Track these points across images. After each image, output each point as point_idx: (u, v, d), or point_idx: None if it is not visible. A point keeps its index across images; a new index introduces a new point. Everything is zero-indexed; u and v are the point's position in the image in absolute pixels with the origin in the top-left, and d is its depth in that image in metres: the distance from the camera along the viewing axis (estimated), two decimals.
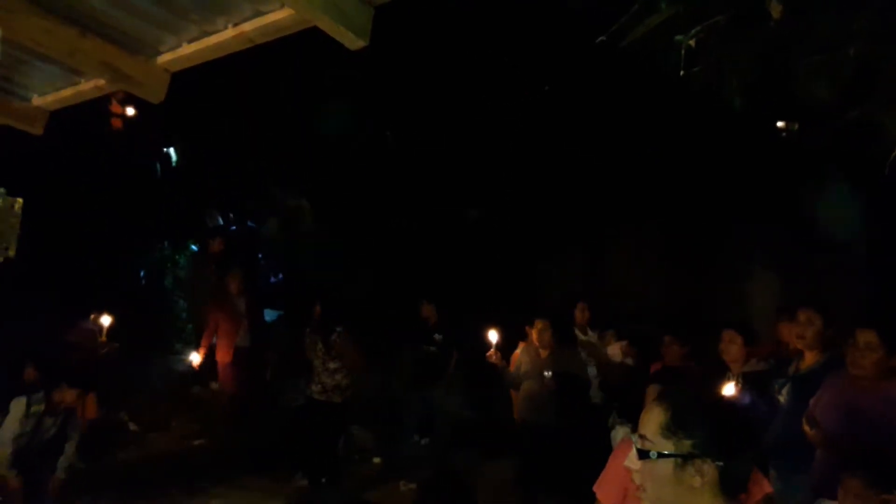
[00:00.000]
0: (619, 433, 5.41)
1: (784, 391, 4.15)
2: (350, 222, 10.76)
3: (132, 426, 7.81)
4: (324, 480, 6.29)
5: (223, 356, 7.48)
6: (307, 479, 6.38)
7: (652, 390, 3.62)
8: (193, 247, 10.77)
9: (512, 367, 6.02)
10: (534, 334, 5.89)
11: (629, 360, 6.32)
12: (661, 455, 1.51)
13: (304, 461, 6.52)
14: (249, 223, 11.31)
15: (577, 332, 6.87)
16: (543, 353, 5.83)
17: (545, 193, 9.61)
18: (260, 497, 6.35)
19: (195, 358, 7.34)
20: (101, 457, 6.87)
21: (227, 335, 7.51)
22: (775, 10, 2.93)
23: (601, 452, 5.34)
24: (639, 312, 7.75)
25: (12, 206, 1.27)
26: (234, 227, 11.00)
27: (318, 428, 6.35)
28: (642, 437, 1.55)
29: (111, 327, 6.35)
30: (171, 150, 12.50)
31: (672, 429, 1.51)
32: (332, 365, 6.28)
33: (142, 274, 10.42)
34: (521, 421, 5.99)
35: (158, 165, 12.12)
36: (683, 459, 1.49)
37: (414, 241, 10.20)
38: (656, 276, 8.61)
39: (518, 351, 6.19)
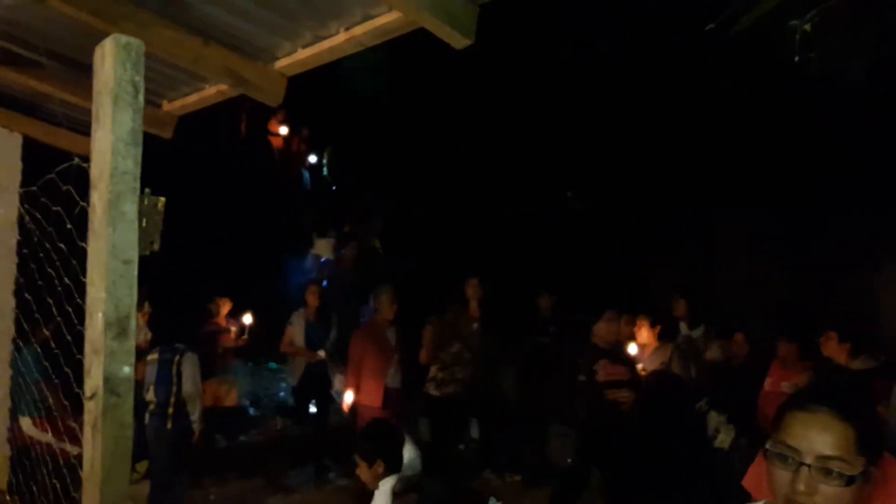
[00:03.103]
0: (713, 421, 5.32)
1: None
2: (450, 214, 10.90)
3: (253, 411, 8.27)
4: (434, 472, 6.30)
5: (368, 398, 5.99)
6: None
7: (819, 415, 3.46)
8: None
9: None
10: (638, 332, 5.87)
11: (721, 356, 6.16)
12: (862, 473, 1.41)
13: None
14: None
15: (682, 325, 6.75)
16: (648, 350, 5.79)
17: (654, 182, 9.41)
18: None
19: (348, 397, 6.07)
20: (230, 439, 7.36)
21: (375, 373, 6.00)
22: None
23: (694, 446, 5.23)
24: (752, 307, 7.49)
25: (156, 205, 1.40)
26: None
27: (435, 422, 6.33)
28: (828, 458, 1.41)
29: (252, 326, 7.31)
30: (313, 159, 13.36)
31: (863, 444, 1.43)
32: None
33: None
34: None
35: (307, 174, 12.89)
36: (869, 472, 1.44)
37: (520, 234, 10.23)
38: (772, 268, 8.27)
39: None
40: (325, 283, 9.04)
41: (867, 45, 3.19)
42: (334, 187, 13.29)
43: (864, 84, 3.38)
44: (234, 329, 7.30)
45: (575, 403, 5.26)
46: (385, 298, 6.16)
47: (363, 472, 3.32)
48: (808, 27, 3.01)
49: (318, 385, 7.03)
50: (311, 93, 9.77)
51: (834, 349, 4.66)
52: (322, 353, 6.92)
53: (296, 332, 7.00)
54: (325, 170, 13.23)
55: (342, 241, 10.68)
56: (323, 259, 10.31)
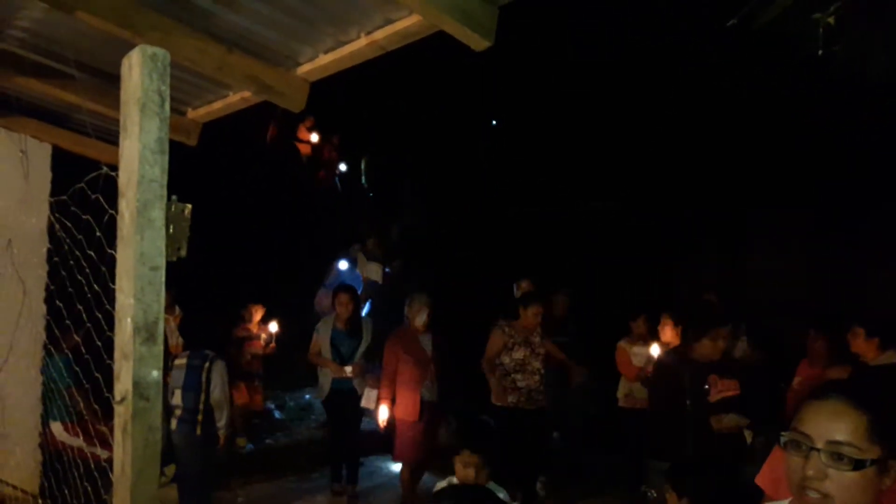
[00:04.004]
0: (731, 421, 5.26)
1: None
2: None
3: (279, 414, 8.34)
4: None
5: (403, 410, 5.67)
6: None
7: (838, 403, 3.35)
8: None
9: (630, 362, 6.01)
10: (663, 331, 5.83)
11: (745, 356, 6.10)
12: (872, 462, 1.41)
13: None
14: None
15: None
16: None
17: (682, 179, 9.34)
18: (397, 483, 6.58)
19: (383, 412, 5.73)
20: (256, 442, 7.42)
21: (411, 384, 5.67)
22: None
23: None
24: (782, 305, 7.39)
25: (183, 211, 1.42)
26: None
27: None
28: (837, 443, 1.42)
29: (278, 334, 7.15)
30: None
31: (877, 432, 1.43)
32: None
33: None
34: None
35: (338, 180, 12.93)
36: (884, 463, 1.43)
37: (542, 233, 10.21)
38: (802, 265, 8.15)
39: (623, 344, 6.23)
40: (368, 305, 8.85)
41: (893, 37, 3.14)
42: (371, 194, 13.31)
43: (890, 77, 3.33)
44: (263, 336, 7.25)
45: (682, 437, 4.16)
46: (417, 306, 5.81)
47: (466, 471, 3.23)
48: (831, 20, 2.97)
49: (345, 401, 6.17)
50: (336, 100, 9.84)
51: (862, 345, 4.57)
52: (348, 371, 6.07)
53: (322, 340, 6.23)
54: (363, 178, 13.28)
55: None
56: (372, 281, 9.71)
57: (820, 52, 3.08)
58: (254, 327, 7.29)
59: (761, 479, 2.64)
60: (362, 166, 13.39)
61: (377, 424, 5.84)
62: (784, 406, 5.25)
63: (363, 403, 6.12)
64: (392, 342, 5.81)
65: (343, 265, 9.73)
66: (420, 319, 5.76)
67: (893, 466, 1.45)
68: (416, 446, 5.65)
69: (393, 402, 5.70)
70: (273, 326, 7.20)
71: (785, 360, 5.67)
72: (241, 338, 7.11)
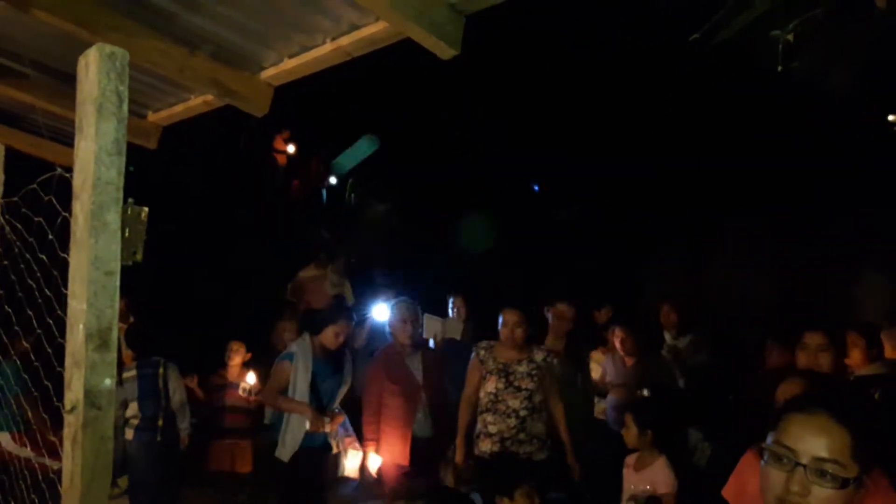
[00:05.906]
0: (693, 437, 5.27)
1: None
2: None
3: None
4: None
5: (392, 452, 4.46)
6: None
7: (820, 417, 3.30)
8: None
9: (595, 374, 5.98)
10: (616, 343, 5.81)
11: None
12: (854, 480, 1.41)
13: None
14: None
15: (666, 335, 6.71)
16: (629, 362, 5.72)
17: (644, 187, 9.45)
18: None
19: (373, 460, 4.48)
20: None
21: (398, 419, 4.46)
22: (880, 1, 2.82)
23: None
24: (743, 314, 7.49)
25: (139, 215, 1.39)
26: None
27: None
28: (823, 460, 1.42)
29: (257, 387, 5.82)
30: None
31: (860, 450, 1.44)
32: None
33: None
34: (611, 429, 5.92)
35: (324, 192, 12.73)
36: (862, 479, 1.44)
37: (504, 242, 10.23)
38: (763, 274, 8.28)
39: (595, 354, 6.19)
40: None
41: (848, 54, 3.24)
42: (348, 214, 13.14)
43: (847, 91, 3.44)
44: (243, 385, 5.84)
45: None
46: (398, 315, 4.59)
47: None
48: (790, 37, 3.06)
49: (319, 463, 4.55)
50: (332, 110, 9.72)
51: (860, 357, 4.15)
52: (328, 424, 4.39)
53: (298, 373, 4.36)
54: (347, 195, 13.08)
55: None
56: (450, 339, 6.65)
57: (779, 67, 3.16)
58: (234, 370, 6.09)
59: (727, 492, 2.63)
60: (347, 183, 13.19)
61: (368, 475, 4.63)
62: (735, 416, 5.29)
63: (347, 472, 4.79)
64: (374, 367, 4.65)
65: (382, 314, 6.24)
66: (404, 334, 4.53)
67: (866, 482, 1.46)
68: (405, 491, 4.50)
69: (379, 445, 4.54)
70: (251, 377, 5.97)
71: (745, 368, 5.71)
72: (218, 385, 6.04)
